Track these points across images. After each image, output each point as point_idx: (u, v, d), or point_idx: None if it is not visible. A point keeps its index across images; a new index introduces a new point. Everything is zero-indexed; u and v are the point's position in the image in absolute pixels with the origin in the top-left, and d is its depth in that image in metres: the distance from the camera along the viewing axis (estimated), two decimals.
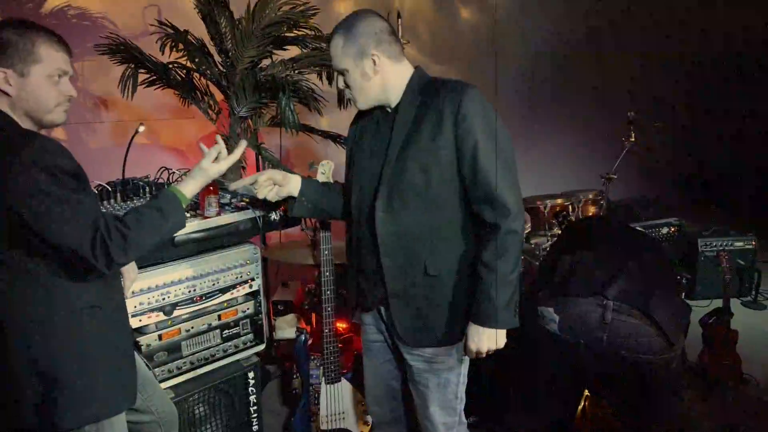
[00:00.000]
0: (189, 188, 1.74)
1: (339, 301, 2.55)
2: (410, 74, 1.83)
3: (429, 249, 1.78)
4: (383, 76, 1.79)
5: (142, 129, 2.37)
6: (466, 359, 1.89)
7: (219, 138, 1.85)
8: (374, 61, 1.76)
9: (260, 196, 2.00)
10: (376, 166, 1.83)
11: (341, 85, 1.84)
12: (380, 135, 1.86)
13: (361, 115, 1.95)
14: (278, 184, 1.99)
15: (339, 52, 1.77)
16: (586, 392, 2.40)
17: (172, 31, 2.76)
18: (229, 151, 2.93)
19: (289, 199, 2.03)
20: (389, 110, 1.85)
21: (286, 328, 3.23)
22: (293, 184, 2.00)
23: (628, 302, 1.87)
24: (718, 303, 3.25)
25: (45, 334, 1.55)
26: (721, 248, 4.10)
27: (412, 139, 1.76)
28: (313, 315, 3.14)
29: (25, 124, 1.57)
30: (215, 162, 1.80)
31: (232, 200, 2.42)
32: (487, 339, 1.74)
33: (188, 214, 2.16)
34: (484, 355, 1.77)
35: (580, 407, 2.46)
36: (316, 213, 2.11)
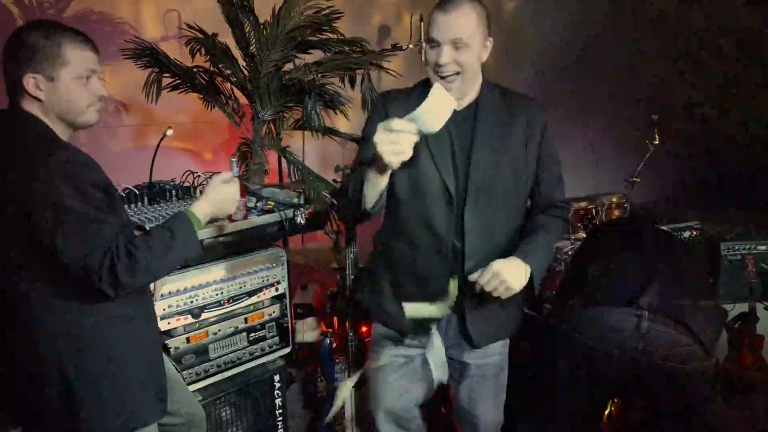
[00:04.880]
0: (197, 207, 1.67)
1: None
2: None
3: (508, 250, 1.76)
4: (480, 67, 1.74)
5: (170, 133, 2.37)
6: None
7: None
8: (488, 47, 1.72)
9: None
10: (449, 164, 1.72)
11: (446, 59, 1.63)
12: (455, 131, 1.71)
13: (395, 103, 1.74)
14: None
15: (474, 24, 1.64)
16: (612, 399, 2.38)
17: (201, 36, 2.77)
18: (251, 153, 2.95)
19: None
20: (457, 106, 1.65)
21: (307, 332, 3.23)
22: None
23: (663, 311, 1.83)
24: (741, 307, 3.21)
25: (75, 342, 1.54)
26: (745, 251, 4.04)
27: (505, 141, 1.75)
28: (335, 318, 3.13)
29: (59, 127, 1.56)
30: (226, 183, 1.73)
31: (258, 203, 2.43)
32: (513, 269, 1.68)
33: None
34: (495, 284, 1.66)
35: (606, 412, 2.43)
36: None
